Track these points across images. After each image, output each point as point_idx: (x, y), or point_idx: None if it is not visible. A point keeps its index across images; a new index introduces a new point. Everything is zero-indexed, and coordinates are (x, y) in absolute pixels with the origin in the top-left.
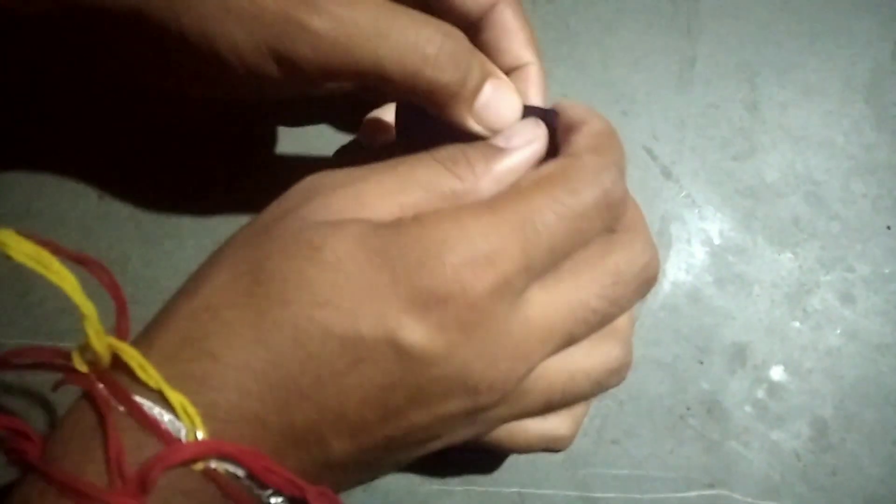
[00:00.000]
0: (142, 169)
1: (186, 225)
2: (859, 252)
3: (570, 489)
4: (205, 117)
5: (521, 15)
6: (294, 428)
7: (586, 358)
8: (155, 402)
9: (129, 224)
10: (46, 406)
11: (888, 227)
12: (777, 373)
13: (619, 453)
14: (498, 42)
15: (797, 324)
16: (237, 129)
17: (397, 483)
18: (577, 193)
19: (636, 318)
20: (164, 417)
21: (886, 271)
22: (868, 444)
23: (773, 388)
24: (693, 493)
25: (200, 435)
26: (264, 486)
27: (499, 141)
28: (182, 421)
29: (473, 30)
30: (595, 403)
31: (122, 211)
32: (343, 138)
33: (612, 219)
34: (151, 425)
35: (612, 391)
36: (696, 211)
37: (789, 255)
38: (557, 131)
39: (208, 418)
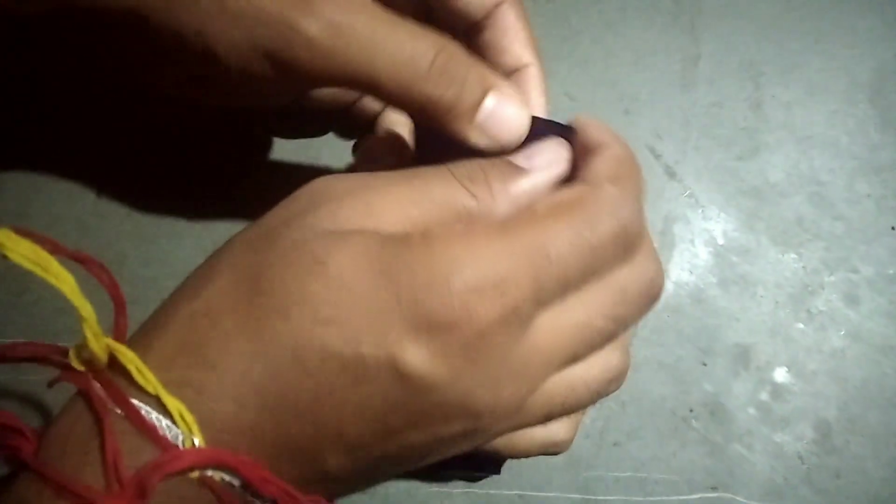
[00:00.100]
0: (139, 168)
1: (184, 224)
2: (864, 253)
3: (571, 492)
4: (203, 117)
5: (523, 17)
6: (290, 441)
7: (586, 370)
8: (152, 406)
9: (127, 223)
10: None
11: (893, 228)
12: (781, 374)
13: (621, 456)
14: (499, 42)
15: (801, 325)
16: (236, 129)
17: (397, 485)
18: (595, 226)
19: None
20: (162, 423)
21: (891, 272)
22: (872, 446)
23: (777, 390)
24: (696, 496)
25: (197, 442)
26: (258, 496)
27: (520, 159)
28: (179, 427)
29: (475, 30)
30: (597, 405)
31: (119, 210)
32: (341, 142)
33: (627, 252)
34: (149, 430)
35: (614, 392)
36: (700, 211)
37: (793, 255)
38: (574, 148)
39: (204, 426)
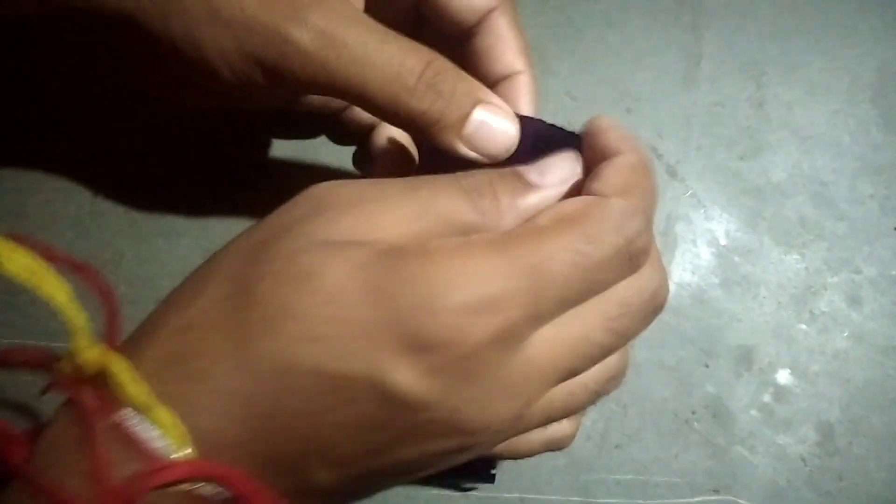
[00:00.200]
0: (137, 167)
1: (181, 223)
2: (866, 253)
3: (572, 494)
4: (201, 117)
5: (516, 24)
6: (277, 456)
7: (585, 374)
8: (142, 417)
9: (124, 222)
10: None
11: (895, 228)
12: (783, 376)
13: (623, 458)
14: (491, 50)
15: (804, 326)
16: (234, 129)
17: (397, 489)
18: (598, 242)
19: None
20: (152, 433)
21: (894, 273)
22: (875, 448)
23: (780, 392)
24: (698, 499)
25: (187, 454)
26: None
27: (531, 174)
28: (170, 439)
29: (467, 36)
30: (598, 407)
31: (116, 209)
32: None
33: (632, 270)
34: (139, 441)
35: (615, 395)
36: (702, 211)
37: (796, 256)
38: (584, 154)
39: (193, 439)
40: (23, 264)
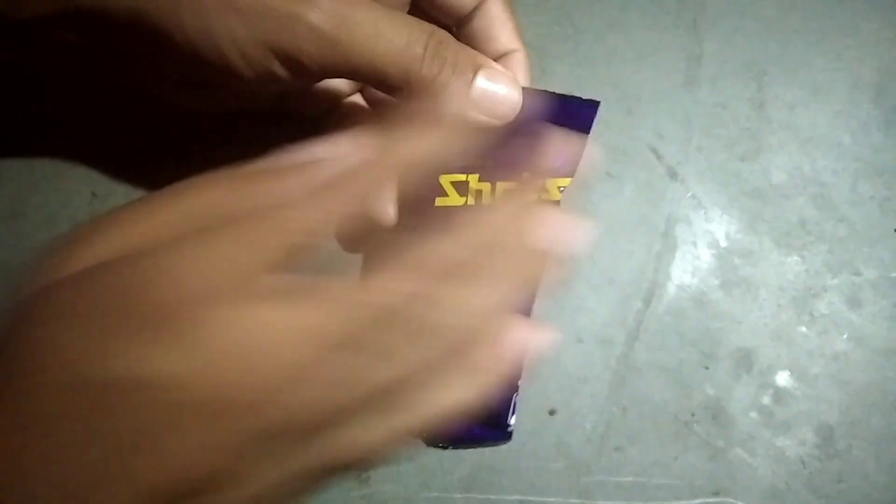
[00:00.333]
0: (135, 167)
1: None
2: (867, 255)
3: (572, 497)
4: (200, 117)
5: (509, 7)
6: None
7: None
8: None
9: None
10: None
11: None
12: (783, 378)
13: (623, 460)
14: (487, 31)
15: (804, 328)
16: (233, 130)
17: (395, 491)
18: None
19: (640, 322)
20: None
21: (894, 275)
22: (874, 450)
23: (779, 394)
24: (697, 501)
25: None
26: None
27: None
28: None
29: (464, 20)
30: (598, 410)
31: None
32: None
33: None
34: None
35: (614, 397)
36: (703, 212)
37: (796, 257)
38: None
39: None
40: None
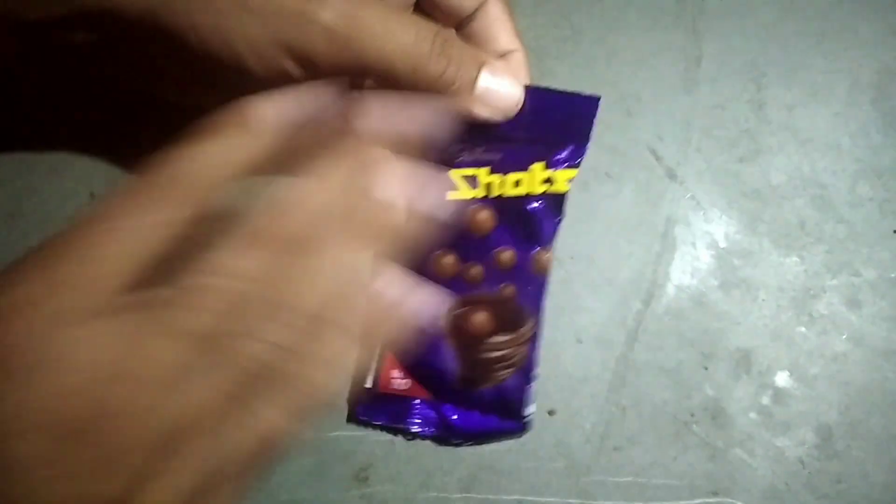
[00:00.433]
0: (134, 167)
1: None
2: (866, 256)
3: (571, 497)
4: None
5: (508, 9)
6: None
7: None
8: None
9: None
10: None
11: (895, 231)
12: (782, 379)
13: (622, 461)
14: (487, 32)
15: (803, 329)
16: None
17: (395, 491)
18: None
19: (639, 323)
20: None
21: (893, 276)
22: (874, 451)
23: (778, 395)
24: (696, 501)
25: None
26: None
27: None
28: None
29: (465, 22)
30: (597, 410)
31: None
32: None
33: None
34: None
35: (614, 397)
36: (702, 213)
37: (795, 258)
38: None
39: None
40: None
